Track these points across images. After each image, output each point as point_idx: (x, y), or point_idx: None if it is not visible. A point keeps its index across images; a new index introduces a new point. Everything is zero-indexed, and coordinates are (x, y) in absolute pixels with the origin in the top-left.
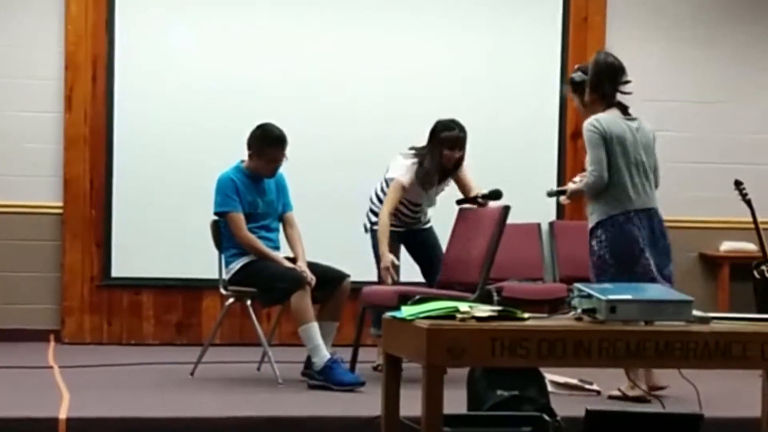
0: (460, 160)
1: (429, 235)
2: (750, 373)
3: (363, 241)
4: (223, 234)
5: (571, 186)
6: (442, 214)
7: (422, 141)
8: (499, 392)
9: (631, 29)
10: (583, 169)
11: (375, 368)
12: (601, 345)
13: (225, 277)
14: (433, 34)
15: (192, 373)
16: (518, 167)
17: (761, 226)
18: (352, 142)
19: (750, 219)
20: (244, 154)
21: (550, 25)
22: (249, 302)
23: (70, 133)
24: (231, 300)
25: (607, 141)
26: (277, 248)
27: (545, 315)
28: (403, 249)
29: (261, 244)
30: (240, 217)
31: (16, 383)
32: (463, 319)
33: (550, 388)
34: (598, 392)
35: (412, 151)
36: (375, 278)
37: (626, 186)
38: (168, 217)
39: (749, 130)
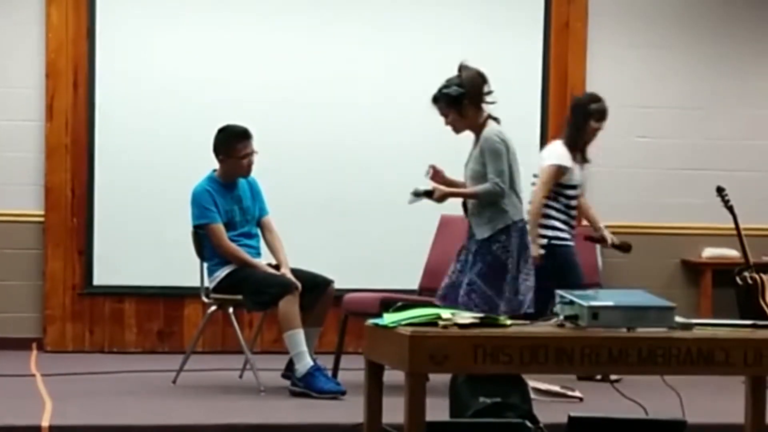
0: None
1: None
2: (733, 379)
3: (346, 248)
4: (205, 243)
5: (444, 189)
6: (424, 220)
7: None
8: (481, 399)
9: (611, 35)
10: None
11: None
12: (583, 351)
13: (209, 285)
14: (415, 39)
15: (174, 381)
16: None
17: (743, 232)
18: (336, 148)
19: (732, 225)
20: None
21: (531, 31)
22: (231, 310)
23: (51, 141)
24: (213, 308)
25: (509, 152)
26: (258, 254)
27: (527, 322)
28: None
29: (243, 253)
30: (220, 228)
31: None
32: (445, 326)
33: (532, 394)
34: (581, 399)
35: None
36: (357, 285)
37: (520, 195)
38: (150, 225)
39: (731, 137)
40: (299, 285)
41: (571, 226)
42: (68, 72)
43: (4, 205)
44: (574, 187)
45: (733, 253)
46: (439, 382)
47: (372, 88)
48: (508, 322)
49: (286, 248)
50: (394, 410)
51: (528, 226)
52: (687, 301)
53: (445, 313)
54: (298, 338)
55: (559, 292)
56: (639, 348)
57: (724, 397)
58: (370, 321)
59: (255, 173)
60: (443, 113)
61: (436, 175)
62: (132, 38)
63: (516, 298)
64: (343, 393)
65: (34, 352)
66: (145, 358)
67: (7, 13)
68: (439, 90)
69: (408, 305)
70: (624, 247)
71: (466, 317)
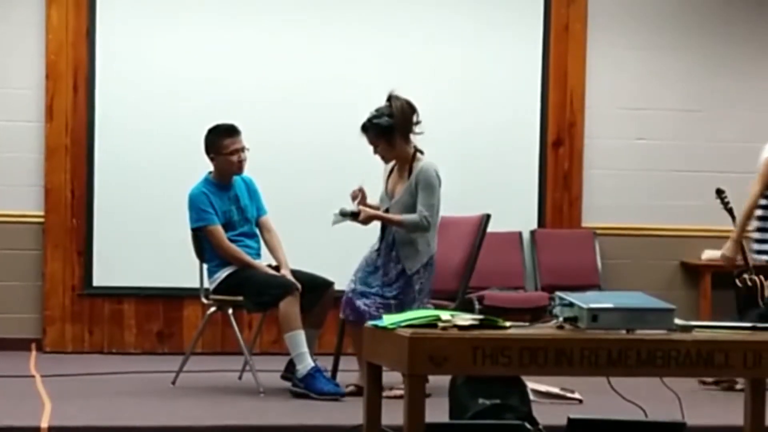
0: None
1: None
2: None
3: (345, 249)
4: (204, 245)
5: (370, 211)
6: None
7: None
8: (481, 401)
9: (611, 37)
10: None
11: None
12: (582, 353)
13: (210, 286)
14: (415, 40)
15: (173, 382)
16: (499, 175)
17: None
18: (336, 148)
19: (732, 227)
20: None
21: (531, 33)
22: (230, 311)
23: (51, 142)
24: (212, 309)
25: (440, 188)
26: (258, 255)
27: (527, 323)
28: None
29: (244, 254)
30: (218, 229)
31: None
32: (444, 328)
33: (531, 396)
34: (580, 400)
35: None
36: None
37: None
38: (149, 226)
39: (730, 138)
40: (299, 286)
41: None
42: (68, 73)
43: (4, 206)
44: None
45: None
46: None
47: (371, 89)
48: (508, 324)
49: (285, 249)
50: (393, 411)
51: (738, 221)
52: (686, 303)
53: (445, 315)
54: (299, 339)
55: (558, 294)
56: (638, 350)
57: (723, 399)
58: (370, 323)
59: (254, 173)
60: (372, 143)
61: (362, 198)
62: (132, 39)
63: None
64: (343, 395)
65: (34, 353)
66: (144, 359)
67: (6, 14)
68: (369, 120)
69: None
70: None
71: (465, 319)
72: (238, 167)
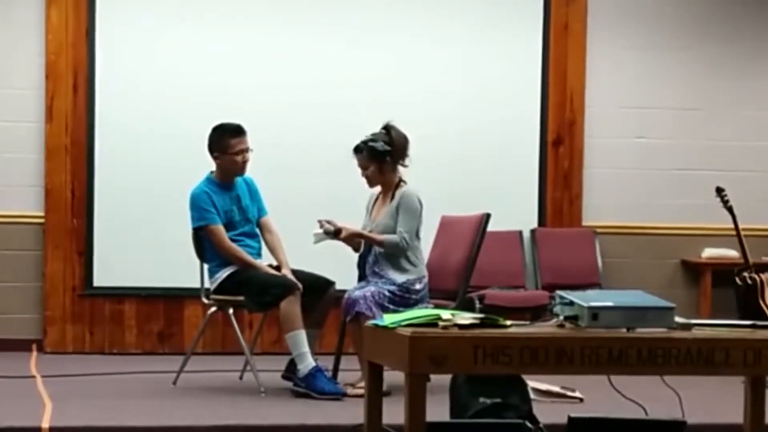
0: None
1: None
2: (732, 379)
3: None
4: (205, 244)
5: (351, 229)
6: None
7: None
8: (481, 399)
9: (611, 36)
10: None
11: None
12: (583, 352)
13: (211, 286)
14: (414, 39)
15: (174, 382)
16: (500, 174)
17: (743, 232)
18: (337, 148)
19: (732, 225)
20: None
21: (530, 32)
22: (231, 311)
23: (51, 142)
24: (213, 309)
25: (422, 215)
26: (259, 255)
27: (527, 322)
28: None
29: (245, 254)
30: (220, 229)
31: None
32: (445, 327)
33: (532, 395)
34: (581, 399)
35: None
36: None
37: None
38: (150, 226)
39: (730, 137)
40: (300, 286)
41: None
42: (68, 73)
43: (4, 207)
44: None
45: (732, 254)
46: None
47: (372, 89)
48: (508, 322)
49: (287, 249)
50: (394, 410)
51: None
52: (687, 301)
53: (445, 314)
54: (301, 339)
55: (558, 292)
56: (639, 348)
57: (723, 398)
58: (370, 322)
59: (254, 173)
60: (363, 165)
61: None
62: (132, 39)
63: None
64: (344, 395)
65: (34, 354)
66: (145, 360)
67: (6, 14)
68: (364, 142)
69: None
70: None
71: (466, 318)
72: (242, 168)
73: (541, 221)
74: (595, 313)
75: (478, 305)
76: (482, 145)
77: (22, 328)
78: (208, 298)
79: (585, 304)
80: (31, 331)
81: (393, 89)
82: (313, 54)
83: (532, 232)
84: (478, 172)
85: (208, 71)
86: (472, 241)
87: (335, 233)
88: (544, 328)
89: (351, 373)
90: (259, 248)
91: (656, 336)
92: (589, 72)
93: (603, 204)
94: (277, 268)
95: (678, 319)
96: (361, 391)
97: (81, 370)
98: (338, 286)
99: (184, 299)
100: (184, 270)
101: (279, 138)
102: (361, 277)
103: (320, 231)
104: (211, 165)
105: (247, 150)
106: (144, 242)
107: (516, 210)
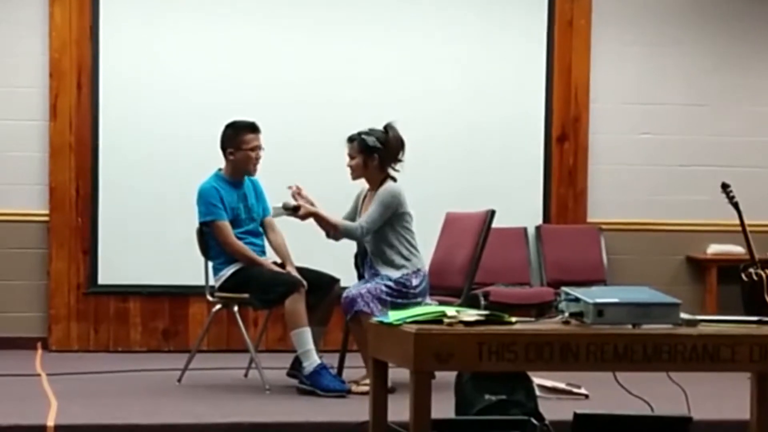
0: None
1: None
2: (738, 375)
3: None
4: (210, 242)
5: (310, 208)
6: (427, 218)
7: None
8: (487, 396)
9: (615, 32)
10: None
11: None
12: (588, 348)
13: (215, 284)
14: (418, 37)
15: (179, 380)
16: (504, 171)
17: (748, 228)
18: (340, 147)
19: (737, 222)
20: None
21: (535, 29)
22: (236, 308)
23: (55, 141)
24: (218, 306)
25: (397, 211)
26: (263, 253)
27: (532, 319)
28: None
29: (249, 251)
30: (226, 225)
31: (3, 391)
32: (450, 324)
33: (537, 392)
34: (587, 396)
35: None
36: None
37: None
38: (154, 224)
39: (735, 133)
40: (305, 283)
41: None
42: (72, 71)
43: (9, 205)
44: None
45: (738, 250)
46: (444, 379)
47: (376, 87)
48: (513, 319)
49: (291, 246)
50: (399, 408)
51: None
52: (692, 297)
53: (450, 311)
54: (305, 336)
55: (564, 289)
56: (644, 345)
57: (729, 394)
58: (375, 319)
59: (259, 170)
60: (351, 155)
61: (299, 194)
62: (135, 38)
63: None
64: (348, 392)
65: (39, 352)
66: (150, 357)
67: (10, 12)
68: (359, 133)
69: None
70: None
71: (471, 315)
72: (254, 166)
73: (546, 218)
74: (600, 309)
75: (483, 302)
76: (487, 142)
77: (27, 326)
78: (212, 295)
79: (590, 301)
80: (36, 330)
81: (397, 86)
82: (317, 52)
83: (537, 228)
84: (483, 168)
85: (212, 69)
86: (477, 238)
87: (294, 209)
88: (550, 324)
89: (356, 370)
90: (263, 246)
91: (662, 332)
92: (593, 68)
93: (608, 200)
94: (282, 265)
95: (683, 316)
96: (366, 389)
97: (86, 368)
98: (343, 284)
99: (188, 297)
100: (189, 268)
101: (283, 135)
102: (361, 277)
103: (279, 205)
104: (215, 162)
105: (260, 147)
106: (148, 240)
107: (521, 206)
